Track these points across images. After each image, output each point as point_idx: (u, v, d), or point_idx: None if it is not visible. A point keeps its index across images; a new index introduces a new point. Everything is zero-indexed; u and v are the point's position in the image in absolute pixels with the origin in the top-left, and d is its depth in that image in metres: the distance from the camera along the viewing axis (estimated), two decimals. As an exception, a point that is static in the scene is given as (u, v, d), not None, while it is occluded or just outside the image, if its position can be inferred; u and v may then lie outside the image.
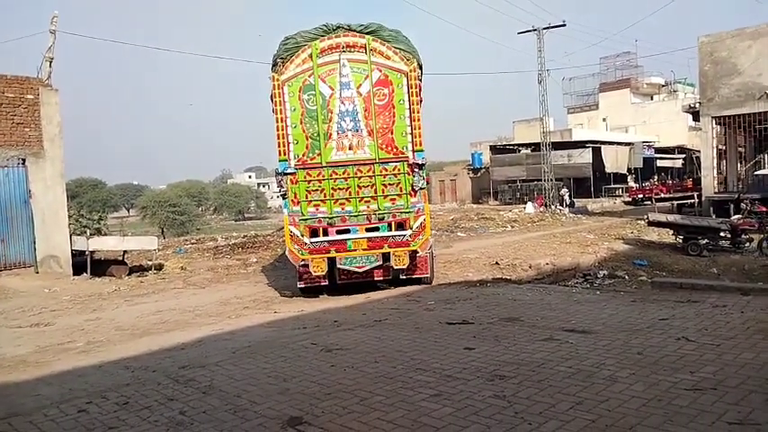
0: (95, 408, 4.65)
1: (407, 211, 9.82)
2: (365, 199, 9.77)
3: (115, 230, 28.63)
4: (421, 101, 9.97)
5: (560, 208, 31.92)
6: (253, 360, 5.79)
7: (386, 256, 9.73)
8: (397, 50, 9.81)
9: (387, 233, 9.78)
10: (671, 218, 16.02)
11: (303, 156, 9.66)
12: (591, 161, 38.25)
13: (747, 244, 13.98)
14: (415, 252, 9.80)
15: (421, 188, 9.88)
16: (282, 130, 9.61)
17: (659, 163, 44.73)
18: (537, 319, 7.07)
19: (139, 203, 64.88)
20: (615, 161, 39.38)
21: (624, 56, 58.25)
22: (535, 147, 37.53)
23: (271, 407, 4.34)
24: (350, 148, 9.71)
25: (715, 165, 21.53)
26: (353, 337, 6.48)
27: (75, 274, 14.61)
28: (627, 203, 35.30)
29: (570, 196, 35.18)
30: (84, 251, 14.84)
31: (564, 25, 32.08)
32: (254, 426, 4.00)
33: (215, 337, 7.31)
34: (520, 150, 44.04)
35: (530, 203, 32.85)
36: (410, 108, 9.78)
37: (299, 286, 10.23)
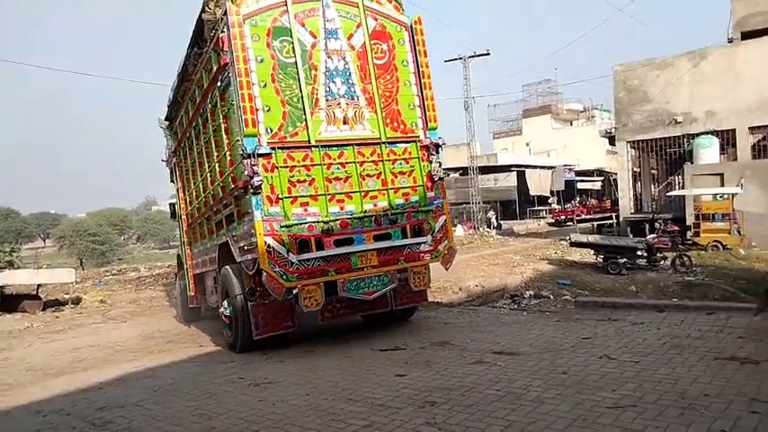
0: (0, 459, 4.31)
1: (425, 209, 7.64)
2: (371, 194, 7.32)
3: (29, 262, 27.05)
4: (427, 65, 7.91)
5: (488, 230, 32.66)
6: (176, 398, 5.55)
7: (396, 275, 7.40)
8: None
9: (402, 241, 7.41)
10: (591, 238, 16.67)
11: (279, 130, 6.88)
12: (516, 184, 39.47)
13: (662, 262, 14.68)
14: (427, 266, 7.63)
15: (440, 178, 7.83)
16: (247, 88, 6.67)
17: (580, 185, 46.67)
18: (467, 341, 7.15)
19: (56, 233, 61.61)
20: (539, 184, 40.81)
21: (545, 83, 60.84)
22: (463, 171, 38.33)
23: (194, 447, 4.15)
24: (344, 122, 7.24)
25: (631, 186, 22.66)
26: (283, 369, 6.34)
27: (-18, 311, 13.63)
28: (550, 225, 36.53)
29: (497, 219, 36.09)
30: (-6, 286, 13.90)
31: (488, 54, 33.17)
32: (177, 469, 3.81)
33: (136, 374, 6.97)
34: (449, 174, 44.83)
35: (459, 226, 33.43)
36: (417, 72, 7.75)
37: (255, 337, 7.21)
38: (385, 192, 7.39)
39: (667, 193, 21.36)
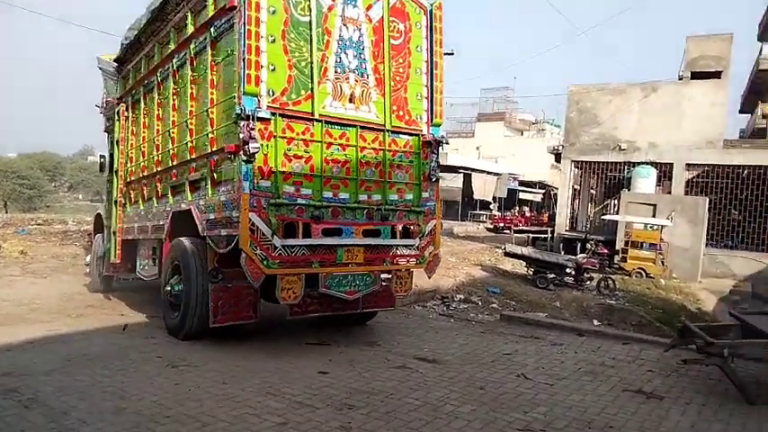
0: None
1: (417, 210, 7.09)
2: (367, 184, 6.70)
3: (-53, 199, 25.50)
4: (441, 56, 7.39)
5: (429, 228, 33.05)
6: (89, 371, 5.36)
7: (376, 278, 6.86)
8: None
9: (391, 241, 6.86)
10: (525, 251, 17.11)
11: (282, 94, 6.06)
12: (461, 186, 40.06)
13: (588, 282, 15.26)
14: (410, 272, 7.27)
15: (436, 179, 7.31)
16: (255, 39, 5.82)
17: (521, 195, 47.82)
18: (393, 344, 7.24)
19: (-19, 170, 58.35)
20: (483, 189, 41.52)
21: (503, 90, 61.85)
22: (412, 165, 38.55)
23: (101, 428, 4.04)
24: (350, 100, 6.55)
25: (569, 204, 23.39)
26: (204, 353, 6.21)
27: None
28: (489, 230, 37.19)
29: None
30: None
31: (452, 54, 33.36)
32: (80, 451, 3.70)
33: (49, 339, 6.70)
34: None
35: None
36: (430, 61, 7.20)
37: (212, 325, 6.34)
38: (381, 184, 6.78)
39: (602, 216, 22.15)
